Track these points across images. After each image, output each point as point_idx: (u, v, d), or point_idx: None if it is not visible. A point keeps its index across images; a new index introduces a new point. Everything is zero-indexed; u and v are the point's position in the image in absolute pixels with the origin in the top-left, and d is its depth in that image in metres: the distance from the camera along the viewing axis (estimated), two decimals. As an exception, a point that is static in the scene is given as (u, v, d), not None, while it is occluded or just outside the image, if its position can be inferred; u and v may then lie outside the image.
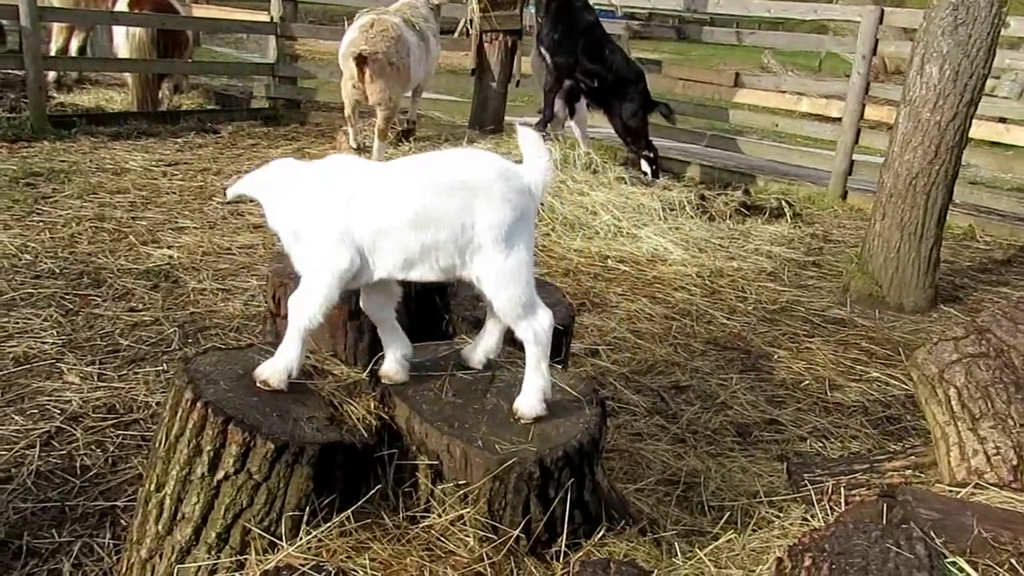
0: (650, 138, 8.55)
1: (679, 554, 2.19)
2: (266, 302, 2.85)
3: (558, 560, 2.08)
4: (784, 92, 9.72)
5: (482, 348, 2.41)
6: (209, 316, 4.50)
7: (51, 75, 10.11)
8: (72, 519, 2.86)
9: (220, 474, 1.92)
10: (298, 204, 2.21)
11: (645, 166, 8.43)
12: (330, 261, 2.14)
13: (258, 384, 2.13)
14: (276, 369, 2.14)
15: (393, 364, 2.31)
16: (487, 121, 9.28)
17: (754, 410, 4.04)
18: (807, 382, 4.41)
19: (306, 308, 2.15)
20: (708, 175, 9.31)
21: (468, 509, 2.06)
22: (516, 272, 2.16)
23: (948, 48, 5.18)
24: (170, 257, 5.31)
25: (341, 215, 2.15)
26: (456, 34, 9.45)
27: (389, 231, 2.14)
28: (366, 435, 2.09)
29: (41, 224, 5.70)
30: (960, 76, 5.17)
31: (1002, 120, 9.07)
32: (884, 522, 2.10)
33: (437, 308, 2.89)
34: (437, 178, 2.17)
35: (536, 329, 2.20)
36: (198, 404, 1.94)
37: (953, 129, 5.27)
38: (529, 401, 2.22)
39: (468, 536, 2.04)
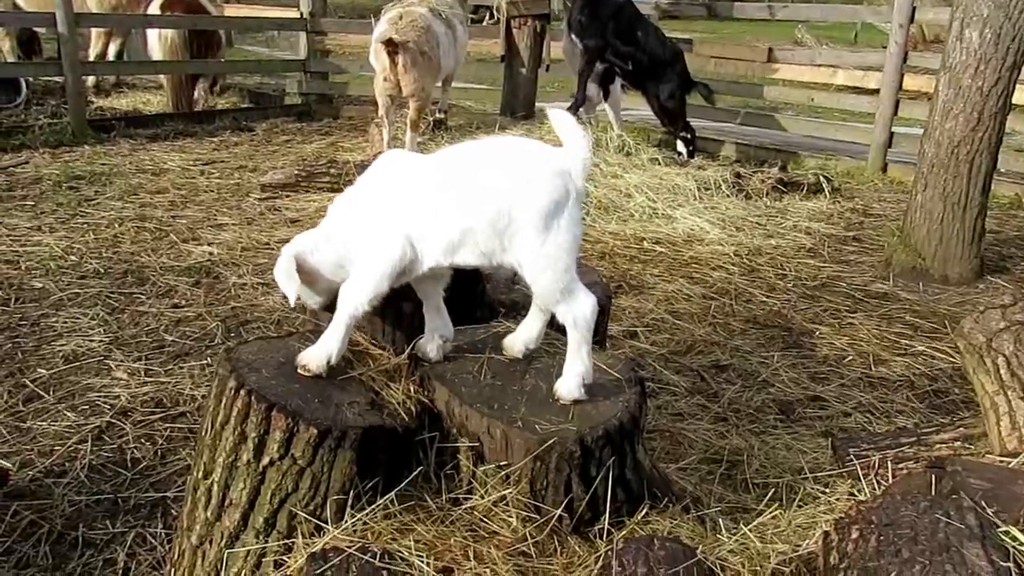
0: (687, 119, 8.48)
1: (723, 530, 2.17)
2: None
3: (601, 538, 2.08)
4: (819, 66, 9.55)
5: (522, 338, 2.40)
6: (250, 310, 4.57)
7: (90, 80, 10.31)
8: (125, 510, 2.93)
9: (265, 460, 1.96)
10: (356, 201, 2.27)
11: (681, 146, 8.36)
12: (383, 252, 2.17)
13: (299, 370, 2.16)
14: (316, 355, 2.17)
15: (431, 343, 2.33)
16: (518, 108, 9.27)
17: (797, 387, 4.00)
18: (850, 358, 4.34)
19: (356, 298, 2.17)
20: (743, 153, 9.20)
21: (510, 490, 2.07)
22: (554, 257, 2.13)
23: (988, 11, 5.04)
24: (210, 254, 5.40)
25: (391, 207, 2.20)
26: (484, 22, 9.44)
27: (432, 219, 2.16)
28: (407, 419, 2.11)
29: (85, 226, 5.82)
30: (1002, 39, 5.03)
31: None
32: (933, 493, 2.06)
33: (474, 292, 2.89)
34: (476, 165, 2.19)
35: (576, 314, 2.18)
36: (241, 392, 1.97)
37: (996, 95, 5.13)
38: (567, 385, 2.22)
39: (511, 516, 2.04)
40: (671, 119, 8.42)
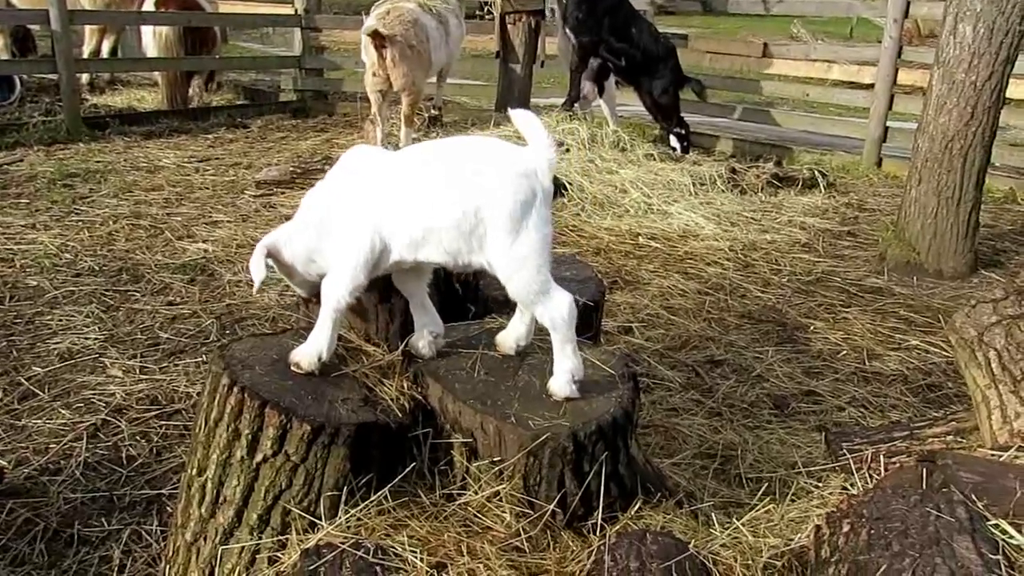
0: (681, 114, 8.48)
1: (716, 525, 2.18)
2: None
3: (595, 533, 2.09)
4: (814, 60, 9.56)
5: (513, 335, 2.40)
6: (245, 307, 4.57)
7: (84, 77, 10.29)
8: (120, 507, 2.93)
9: (259, 457, 1.96)
10: (325, 195, 2.32)
11: (675, 141, 8.36)
12: (353, 244, 2.20)
13: (291, 368, 2.17)
14: (307, 353, 2.19)
15: (421, 340, 2.35)
16: (513, 104, 9.20)
17: (791, 382, 4.01)
18: (844, 352, 4.36)
19: (335, 291, 2.21)
20: (739, 148, 9.20)
21: (504, 485, 2.07)
22: (525, 258, 2.12)
23: (981, 6, 5.05)
24: (205, 251, 5.40)
25: (359, 200, 2.23)
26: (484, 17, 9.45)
27: (398, 215, 2.19)
28: (400, 415, 2.12)
29: (80, 223, 5.81)
30: (995, 34, 5.04)
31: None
32: (924, 487, 2.08)
33: (467, 289, 2.90)
34: (440, 164, 2.20)
35: (553, 315, 2.17)
36: (235, 389, 1.97)
37: (989, 89, 5.14)
38: (558, 383, 2.22)
39: (505, 512, 2.05)
40: (664, 115, 8.42)
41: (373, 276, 2.27)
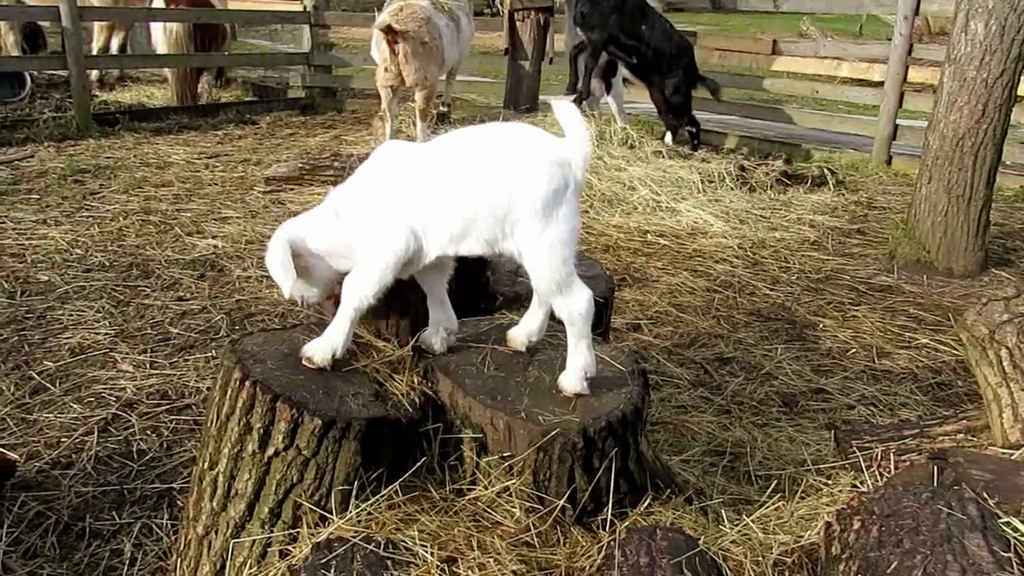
0: (692, 113, 8.46)
1: (726, 521, 2.18)
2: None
3: (604, 529, 2.09)
4: (824, 58, 9.52)
5: (525, 330, 2.40)
6: (255, 303, 4.58)
7: (93, 74, 10.33)
8: (131, 501, 2.95)
9: (270, 451, 1.97)
10: (357, 191, 2.25)
11: (669, 139, 8.33)
12: (388, 244, 2.15)
13: (303, 362, 2.16)
14: (321, 348, 2.18)
15: (435, 336, 2.34)
16: (522, 100, 9.26)
17: (800, 380, 4.00)
18: (854, 350, 4.35)
19: (360, 290, 2.16)
20: (748, 146, 9.18)
21: (514, 480, 2.08)
22: (552, 247, 2.12)
23: (993, 3, 5.02)
24: (215, 247, 5.41)
25: (394, 198, 2.19)
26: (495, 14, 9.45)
27: (435, 209, 2.16)
28: (411, 410, 2.12)
29: (90, 219, 5.84)
30: (1007, 31, 5.01)
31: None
32: (935, 484, 2.07)
33: (478, 284, 2.90)
34: (475, 151, 2.18)
35: (572, 310, 2.17)
36: (247, 383, 1.98)
37: (1001, 86, 5.12)
38: (570, 378, 2.22)
39: (514, 507, 2.06)
40: (674, 114, 8.40)
41: (405, 275, 2.24)
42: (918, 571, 1.67)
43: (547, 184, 2.10)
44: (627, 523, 2.09)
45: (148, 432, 3.35)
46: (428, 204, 2.17)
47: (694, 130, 8.45)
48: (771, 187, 7.28)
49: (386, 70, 7.27)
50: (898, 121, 8.44)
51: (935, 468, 2.12)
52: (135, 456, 3.19)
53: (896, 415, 3.67)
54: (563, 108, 2.21)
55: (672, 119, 8.46)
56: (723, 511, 2.29)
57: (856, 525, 1.88)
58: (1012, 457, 2.29)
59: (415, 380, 2.21)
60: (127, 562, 2.65)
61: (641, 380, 2.31)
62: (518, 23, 9.10)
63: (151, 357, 3.93)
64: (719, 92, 8.62)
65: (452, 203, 2.14)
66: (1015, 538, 1.80)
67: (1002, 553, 1.71)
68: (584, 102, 8.20)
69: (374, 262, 2.17)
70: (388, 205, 2.19)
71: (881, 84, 8.61)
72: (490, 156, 2.15)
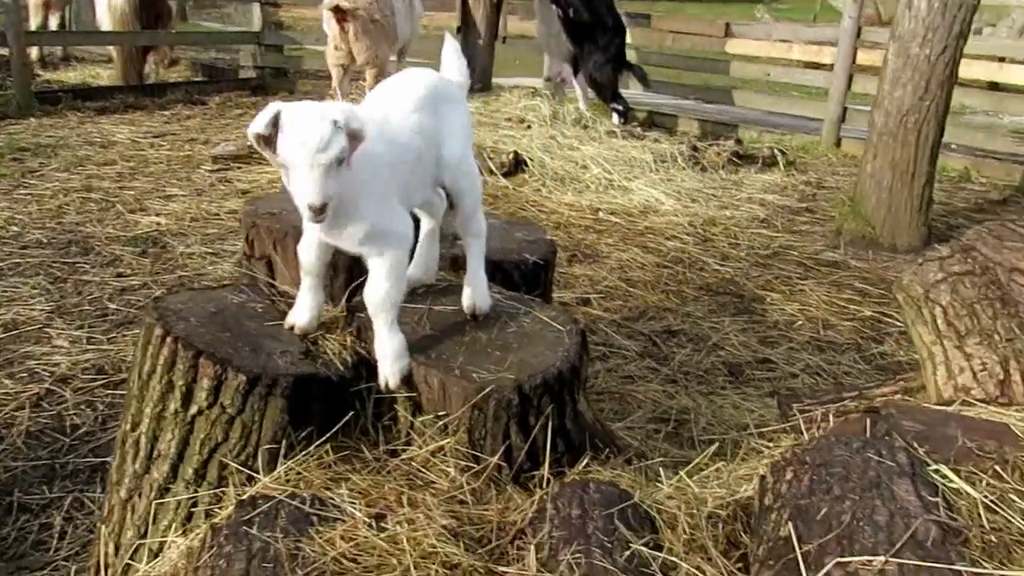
0: (620, 91, 8.48)
1: (663, 479, 2.17)
2: (241, 244, 2.83)
3: (541, 487, 2.07)
4: (776, 41, 9.60)
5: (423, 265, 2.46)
6: (197, 279, 4.48)
7: (34, 52, 10.03)
8: (63, 476, 2.88)
9: (193, 409, 1.90)
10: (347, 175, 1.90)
11: (615, 118, 8.33)
12: (403, 223, 2.08)
13: (388, 386, 2.09)
14: (391, 370, 2.07)
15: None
16: (475, 80, 9.17)
17: (746, 350, 4.03)
18: (800, 322, 4.39)
19: (397, 290, 2.05)
20: (701, 128, 9.23)
21: (448, 439, 2.04)
22: (471, 160, 2.33)
23: (937, -20, 5.10)
24: (158, 224, 5.29)
25: (388, 174, 2.06)
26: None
27: (409, 171, 2.14)
28: (342, 368, 2.07)
29: (28, 197, 5.67)
30: (949, 8, 5.08)
31: (1000, 60, 8.96)
32: (868, 436, 2.08)
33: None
34: (413, 102, 2.17)
35: (481, 223, 2.36)
36: (168, 340, 1.91)
37: (943, 63, 5.19)
38: (481, 293, 2.29)
39: (449, 466, 2.02)
40: (598, 89, 8.40)
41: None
42: (847, 516, 1.67)
43: (462, 106, 2.37)
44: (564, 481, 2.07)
45: (83, 407, 3.26)
46: (405, 168, 2.12)
47: (620, 108, 8.41)
48: (722, 167, 7.33)
49: (336, 48, 7.16)
50: (848, 104, 8.55)
51: (868, 421, 2.13)
52: (68, 431, 3.11)
53: (839, 383, 3.71)
54: (447, 44, 2.51)
55: (597, 94, 8.45)
56: (662, 470, 2.28)
57: (788, 476, 1.87)
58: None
59: (348, 339, 2.16)
60: (56, 536, 2.59)
61: (579, 339, 2.28)
62: (471, 2, 9.03)
63: (88, 332, 3.82)
64: (647, 80, 8.62)
65: (416, 161, 2.15)
66: (943, 484, 1.82)
67: (929, 498, 1.72)
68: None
69: (398, 249, 2.05)
70: (385, 181, 2.06)
71: (831, 67, 8.70)
72: (422, 99, 2.18)
